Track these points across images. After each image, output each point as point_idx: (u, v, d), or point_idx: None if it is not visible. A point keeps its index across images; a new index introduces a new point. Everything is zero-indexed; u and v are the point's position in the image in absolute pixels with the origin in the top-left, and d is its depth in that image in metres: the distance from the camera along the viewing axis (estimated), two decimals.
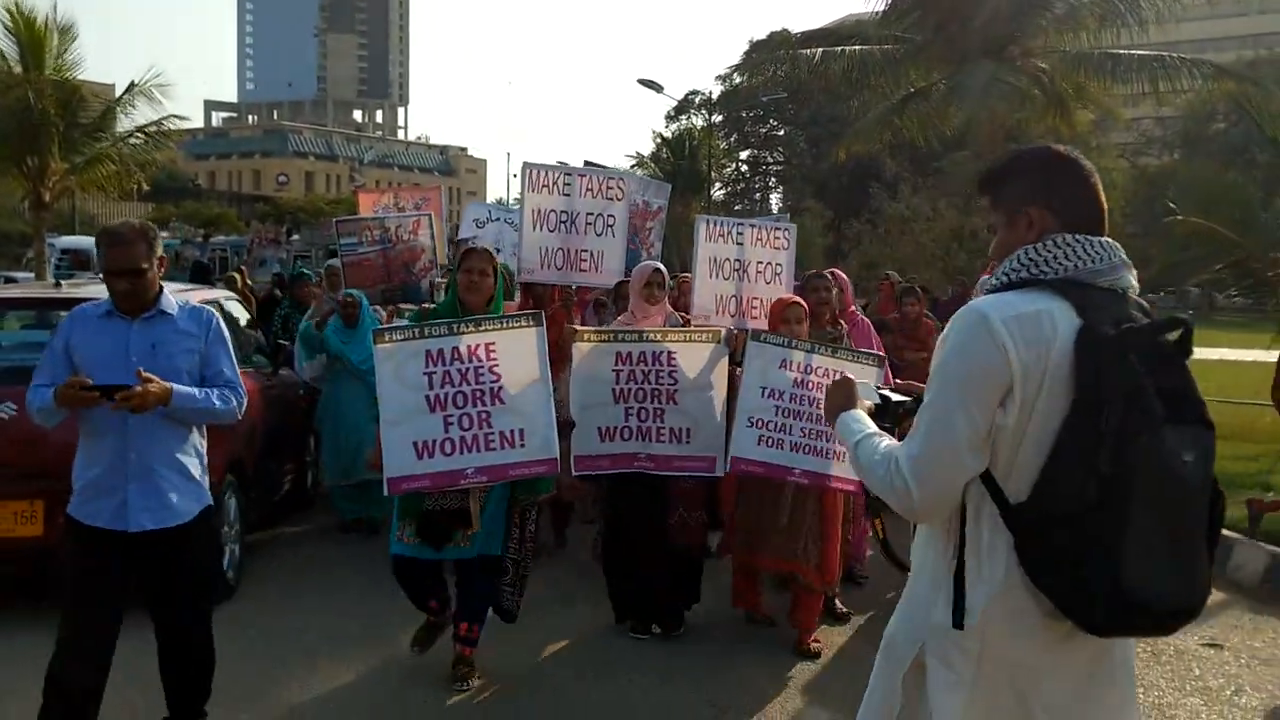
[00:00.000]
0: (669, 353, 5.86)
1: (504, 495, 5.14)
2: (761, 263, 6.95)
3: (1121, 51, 18.11)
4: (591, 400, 5.82)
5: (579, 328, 6.09)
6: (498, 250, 7.99)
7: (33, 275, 29.79)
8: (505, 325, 5.08)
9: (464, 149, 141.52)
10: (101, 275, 3.99)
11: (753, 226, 7.12)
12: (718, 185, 56.19)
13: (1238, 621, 6.25)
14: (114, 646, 3.93)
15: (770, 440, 5.74)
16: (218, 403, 4.02)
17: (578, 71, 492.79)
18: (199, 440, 4.14)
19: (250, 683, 4.90)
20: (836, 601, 6.27)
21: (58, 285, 6.66)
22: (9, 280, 29.84)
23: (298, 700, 4.91)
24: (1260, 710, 4.97)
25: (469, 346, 5.02)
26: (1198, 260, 12.42)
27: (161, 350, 3.98)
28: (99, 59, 31.01)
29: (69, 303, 5.01)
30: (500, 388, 5.03)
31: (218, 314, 4.24)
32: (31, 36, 19.47)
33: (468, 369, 5.01)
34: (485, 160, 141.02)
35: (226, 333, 4.21)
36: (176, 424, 3.98)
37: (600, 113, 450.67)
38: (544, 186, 7.19)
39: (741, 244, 6.91)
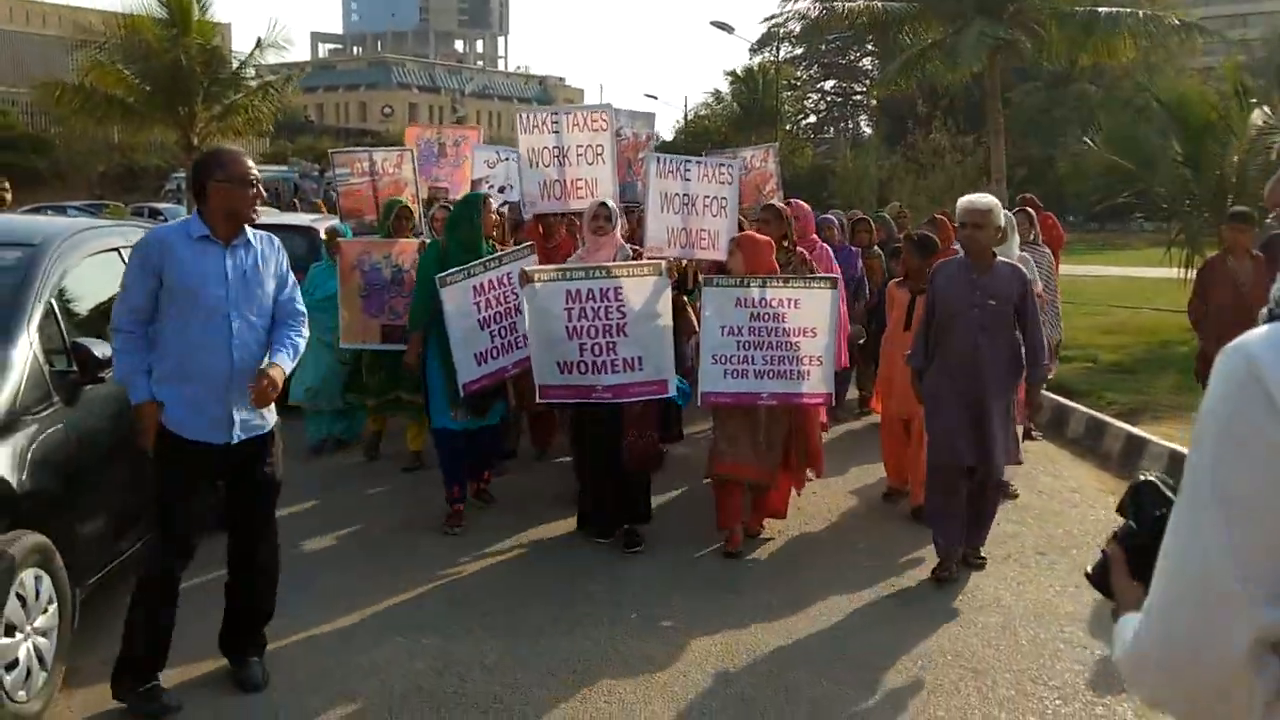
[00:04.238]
0: (615, 288, 6.09)
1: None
2: (708, 197, 7.36)
3: (1103, 10, 20.57)
4: (548, 337, 6.13)
5: (528, 268, 6.31)
6: (510, 187, 9.63)
7: (173, 205, 34.08)
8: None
9: (562, 79, 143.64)
10: (218, 188, 4.13)
11: (699, 164, 7.57)
12: (799, 115, 58.30)
13: None
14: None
15: (735, 372, 6.16)
16: (301, 343, 4.40)
17: (666, 8, 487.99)
18: None
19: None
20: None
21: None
22: (153, 212, 34.08)
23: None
24: None
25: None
26: (1101, 188, 15.50)
27: (252, 276, 4.23)
28: None
29: (269, 228, 7.91)
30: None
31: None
32: (180, 5, 23.32)
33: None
34: (582, 90, 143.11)
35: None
36: (264, 347, 4.27)
37: (687, 48, 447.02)
38: (535, 127, 7.87)
39: (689, 179, 7.34)
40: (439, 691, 4.46)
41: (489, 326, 6.42)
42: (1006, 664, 4.81)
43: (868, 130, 58.66)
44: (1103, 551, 1.60)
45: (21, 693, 3.98)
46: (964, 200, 5.86)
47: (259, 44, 24.78)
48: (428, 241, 7.50)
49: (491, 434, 6.93)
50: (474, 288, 6.36)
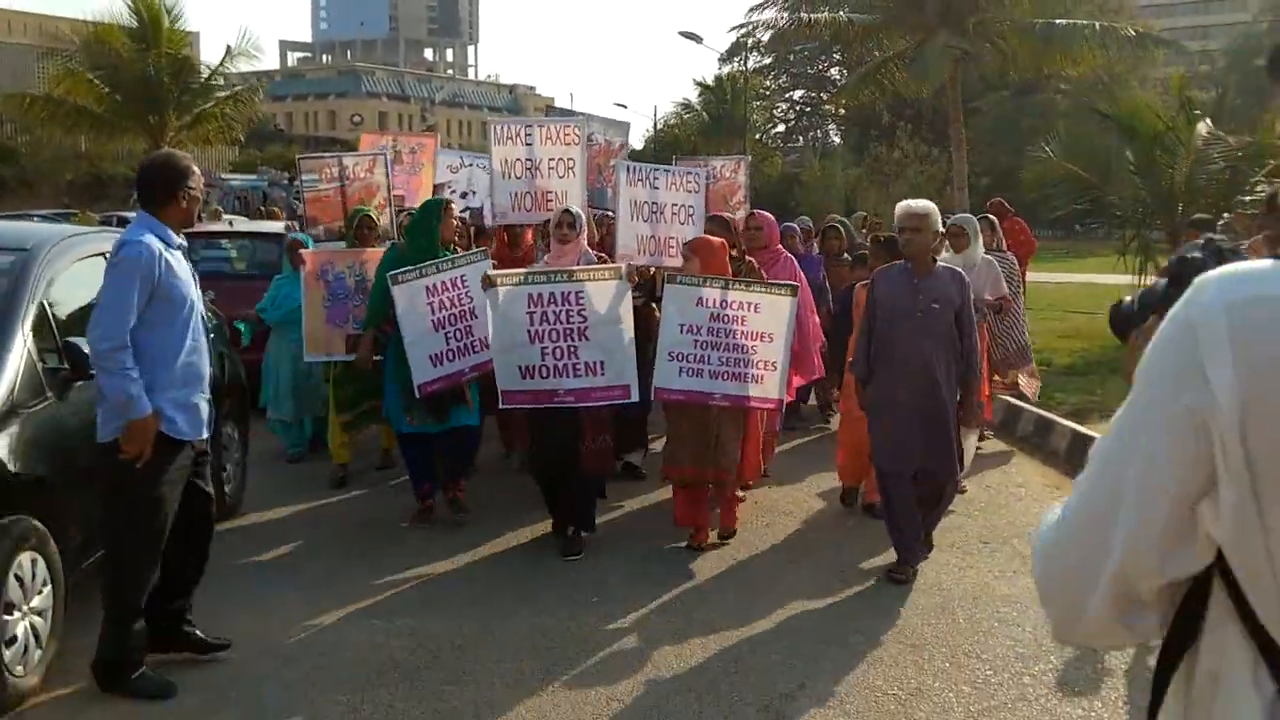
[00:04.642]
0: (576, 292, 6.16)
1: (477, 388, 6.66)
2: (676, 205, 7.50)
3: (1060, 22, 21.11)
4: (510, 342, 6.19)
5: (491, 272, 6.40)
6: (473, 193, 9.73)
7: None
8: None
9: (532, 88, 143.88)
10: (189, 196, 4.39)
11: (667, 172, 7.72)
12: (769, 124, 58.80)
13: None
14: None
15: (690, 370, 6.19)
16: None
17: (636, 18, 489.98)
18: None
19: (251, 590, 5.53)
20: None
21: (230, 224, 10.57)
22: (121, 221, 34.17)
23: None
24: None
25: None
26: (1062, 196, 15.90)
27: (195, 276, 4.54)
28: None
29: (245, 235, 8.28)
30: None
31: None
32: (151, 16, 23.52)
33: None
34: (553, 98, 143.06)
35: None
36: None
37: (656, 57, 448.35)
38: (509, 139, 7.95)
39: (657, 188, 7.49)
40: (410, 664, 4.77)
41: (444, 328, 6.49)
42: (943, 640, 5.14)
43: (837, 139, 59.30)
44: (1126, 302, 1.58)
45: (19, 667, 4.27)
46: (901, 205, 5.98)
47: (229, 52, 24.96)
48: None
49: (469, 437, 6.90)
50: (427, 288, 6.44)
